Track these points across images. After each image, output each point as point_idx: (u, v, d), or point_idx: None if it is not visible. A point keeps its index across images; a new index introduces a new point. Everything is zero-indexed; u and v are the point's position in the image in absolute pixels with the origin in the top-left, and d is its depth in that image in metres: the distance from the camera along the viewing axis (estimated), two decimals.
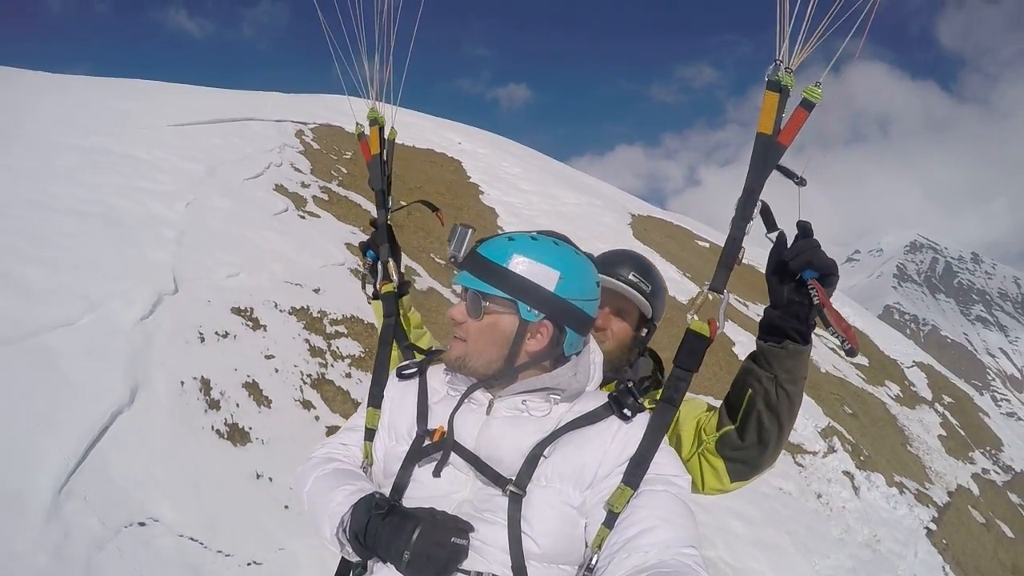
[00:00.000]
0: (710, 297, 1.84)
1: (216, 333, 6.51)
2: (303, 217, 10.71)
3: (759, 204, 1.80)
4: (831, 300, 1.73)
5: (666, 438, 1.86)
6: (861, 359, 19.17)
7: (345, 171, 14.50)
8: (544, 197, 20.63)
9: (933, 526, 11.72)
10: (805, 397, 10.03)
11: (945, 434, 18.41)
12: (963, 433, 19.64)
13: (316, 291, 8.36)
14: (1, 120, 11.50)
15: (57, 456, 4.44)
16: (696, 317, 1.85)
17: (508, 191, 20.21)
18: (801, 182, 1.77)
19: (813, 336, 1.80)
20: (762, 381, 1.84)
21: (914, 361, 22.92)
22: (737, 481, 1.98)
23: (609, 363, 2.26)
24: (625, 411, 1.82)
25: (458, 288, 1.91)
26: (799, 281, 1.75)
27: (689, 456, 2.00)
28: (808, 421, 12.09)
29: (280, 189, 11.50)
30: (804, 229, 1.77)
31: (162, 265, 7.34)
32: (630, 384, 1.88)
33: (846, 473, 11.07)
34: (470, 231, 1.96)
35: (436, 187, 17.37)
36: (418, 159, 19.22)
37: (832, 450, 11.54)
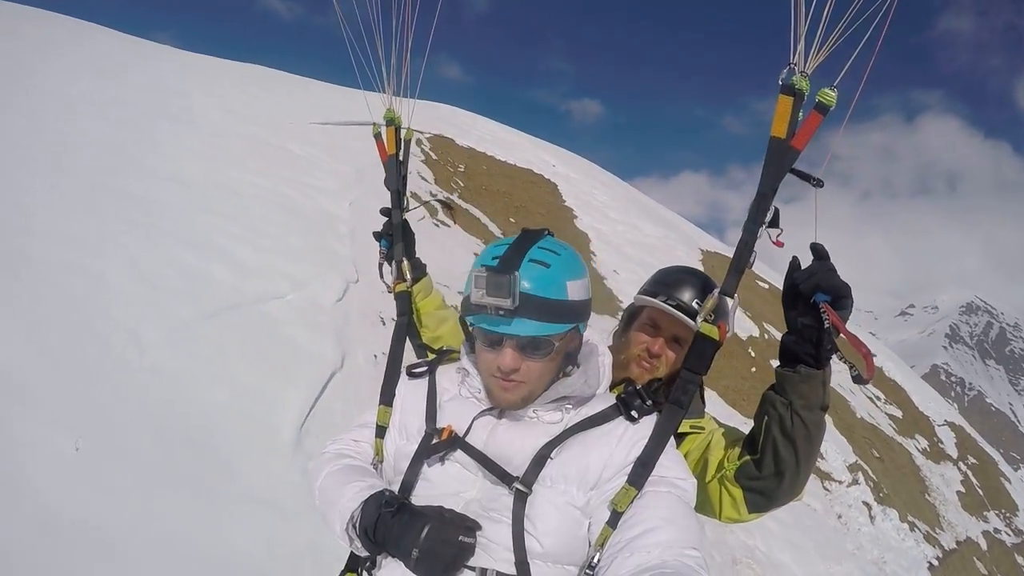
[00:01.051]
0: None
1: (392, 319, 8.42)
2: (437, 226, 12.20)
3: (772, 209, 1.77)
4: (845, 324, 1.70)
5: (673, 441, 1.84)
6: (894, 410, 20.50)
7: (462, 184, 16.28)
8: (628, 227, 21.65)
9: (936, 563, 13.29)
10: (837, 434, 11.79)
11: (964, 491, 19.58)
12: (981, 493, 20.76)
13: (459, 294, 10.23)
14: (163, 99, 12.57)
15: (296, 402, 5.46)
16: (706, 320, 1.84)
17: (598, 218, 21.32)
18: (818, 184, 1.75)
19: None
20: (777, 407, 1.83)
21: (946, 420, 24.09)
22: (754, 512, 1.98)
23: (662, 389, 2.18)
24: (632, 413, 1.83)
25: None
26: (812, 305, 1.73)
27: (710, 481, 2.01)
28: (838, 455, 13.74)
29: (415, 197, 13.19)
30: (817, 252, 1.76)
31: (344, 256, 8.48)
32: (639, 387, 1.89)
33: (865, 503, 12.75)
34: (517, 275, 1.72)
35: (538, 207, 18.79)
36: (520, 178, 20.62)
37: (855, 482, 13.21)
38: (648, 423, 1.82)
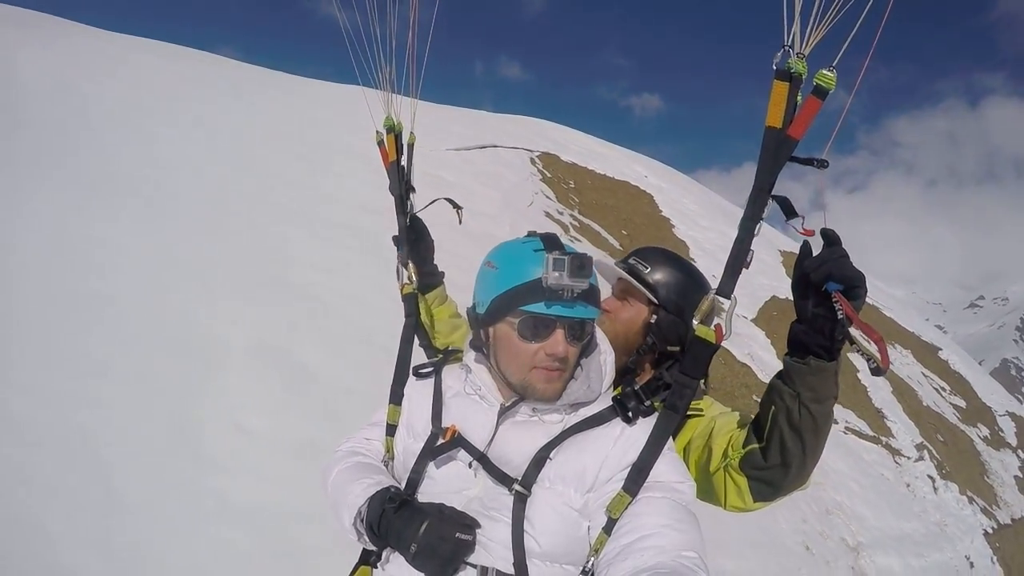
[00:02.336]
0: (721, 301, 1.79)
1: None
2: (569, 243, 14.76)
3: (769, 203, 1.69)
4: (858, 314, 1.63)
5: (671, 443, 1.83)
6: (959, 400, 22.33)
7: (577, 200, 18.49)
8: (717, 234, 22.68)
9: (991, 531, 15.37)
10: (906, 418, 14.22)
11: (1021, 476, 21.42)
12: None
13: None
14: (327, 133, 13.86)
15: None
16: (702, 323, 1.80)
17: (692, 227, 22.46)
18: (822, 164, 1.64)
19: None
20: (785, 398, 1.81)
21: (1007, 411, 25.72)
22: (760, 501, 1.96)
23: (616, 345, 2.15)
24: (628, 414, 1.84)
25: (533, 318, 1.81)
26: (824, 294, 1.67)
27: (715, 470, 2.00)
28: (907, 435, 15.91)
29: (549, 216, 15.52)
30: (829, 237, 1.68)
31: None
32: (637, 387, 1.92)
33: (929, 476, 14.92)
34: (593, 259, 1.82)
35: (641, 220, 20.39)
36: (621, 191, 22.23)
37: (921, 459, 15.38)
38: (645, 424, 1.82)
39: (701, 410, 2.21)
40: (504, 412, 1.90)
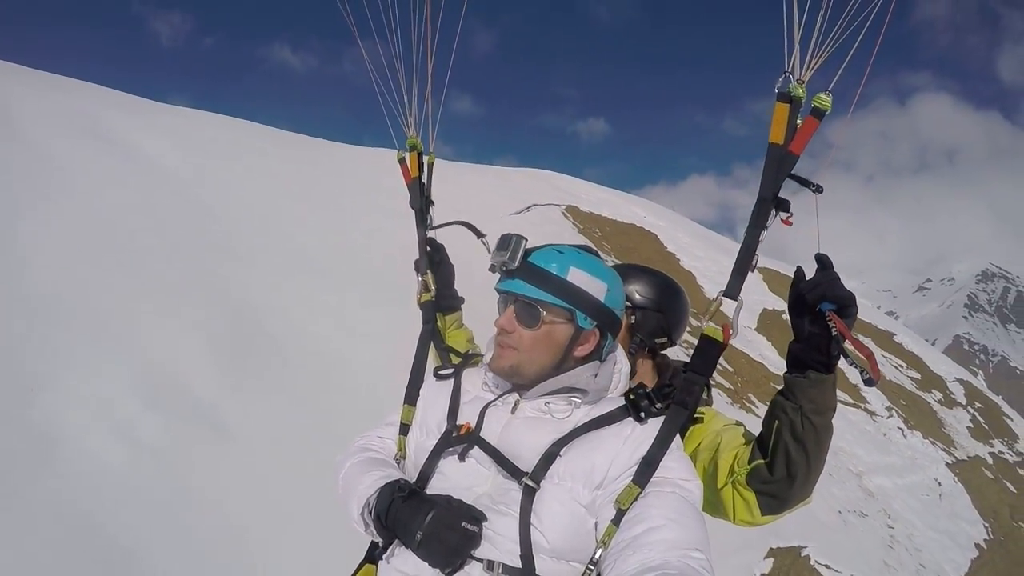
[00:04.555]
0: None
1: None
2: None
3: (772, 214, 1.80)
4: (851, 330, 1.74)
5: (680, 442, 1.88)
6: (914, 373, 27.19)
7: (608, 246, 22.84)
8: (711, 262, 26.04)
9: (950, 463, 20.48)
10: (876, 390, 19.62)
11: (972, 427, 25.76)
12: (987, 427, 26.87)
13: None
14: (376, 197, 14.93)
15: None
16: (711, 323, 1.87)
17: (691, 258, 25.79)
18: (817, 190, 1.76)
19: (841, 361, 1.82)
20: (788, 412, 1.87)
21: (956, 378, 30.66)
22: (768, 514, 2.01)
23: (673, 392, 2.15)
24: (640, 413, 1.85)
25: (500, 297, 1.97)
26: (819, 313, 1.77)
27: (723, 486, 2.04)
28: (878, 402, 21.01)
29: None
30: (822, 262, 1.81)
31: None
32: (649, 389, 1.91)
33: (899, 428, 20.08)
34: (524, 240, 1.95)
35: (655, 257, 24.01)
36: (633, 234, 26.26)
37: (891, 416, 20.56)
38: (654, 424, 1.84)
39: (702, 416, 2.26)
40: (516, 407, 1.95)
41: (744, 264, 1.83)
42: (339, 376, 8.02)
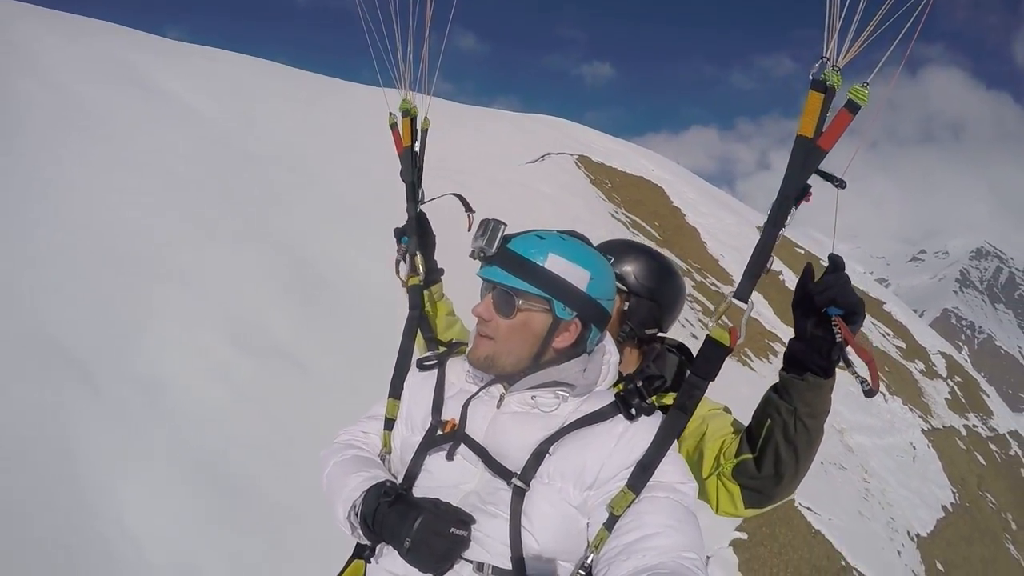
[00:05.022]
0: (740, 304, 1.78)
1: None
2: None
3: (793, 210, 1.71)
4: (855, 336, 1.67)
5: (676, 444, 1.84)
6: (899, 343, 27.97)
7: (619, 198, 23.20)
8: (715, 219, 26.54)
9: (926, 430, 21.57)
10: (856, 358, 20.99)
11: (950, 399, 26.73)
12: (964, 401, 27.89)
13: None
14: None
15: None
16: (717, 325, 1.80)
17: (697, 214, 25.98)
18: (841, 185, 1.68)
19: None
20: (781, 412, 1.82)
21: (939, 351, 31.52)
22: (752, 508, 1.99)
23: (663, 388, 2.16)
24: (631, 411, 1.81)
25: (480, 283, 1.90)
26: (824, 316, 1.70)
27: (707, 476, 2.02)
28: (863, 366, 22.04)
29: (613, 216, 20.15)
30: (835, 263, 1.71)
31: None
32: (639, 384, 1.87)
33: (881, 392, 21.10)
34: (503, 226, 1.88)
35: (663, 211, 24.45)
36: (641, 186, 26.42)
37: None
38: (647, 423, 1.82)
39: None
40: (502, 401, 1.90)
41: (758, 266, 1.77)
42: (387, 310, 8.57)
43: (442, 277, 2.65)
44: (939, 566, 15.52)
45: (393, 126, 2.57)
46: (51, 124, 8.81)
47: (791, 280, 25.57)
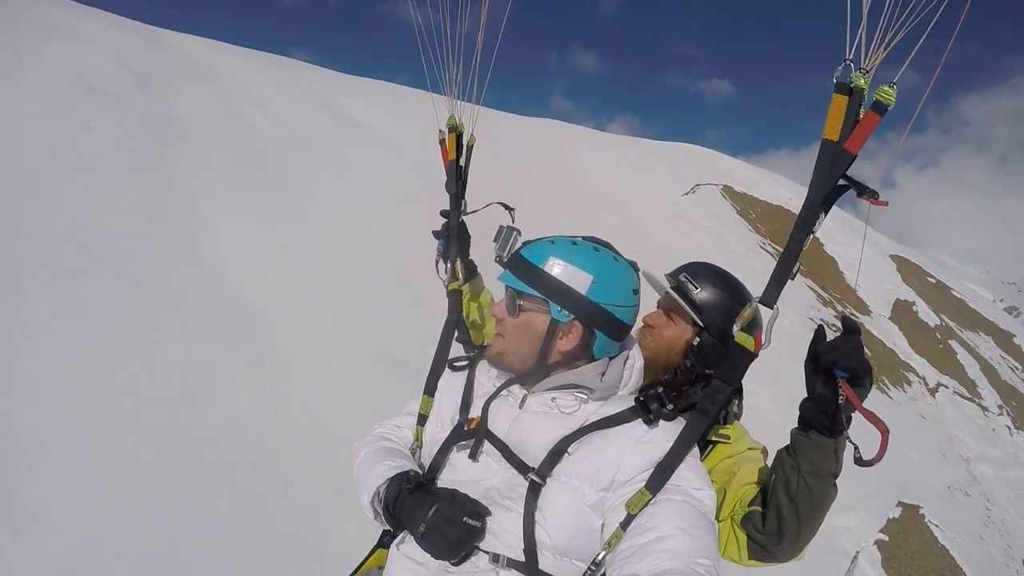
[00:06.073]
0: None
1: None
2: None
3: (821, 216, 1.69)
4: (862, 401, 1.67)
5: (696, 450, 1.85)
6: None
7: (763, 229, 24.47)
8: (853, 249, 26.86)
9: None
10: (989, 387, 22.19)
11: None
12: None
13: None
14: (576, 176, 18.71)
15: None
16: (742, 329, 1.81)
17: (833, 244, 26.37)
18: (873, 195, 1.63)
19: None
20: (786, 468, 1.85)
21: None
22: (754, 560, 2.01)
23: (657, 363, 2.33)
24: (650, 415, 1.84)
25: (502, 287, 1.97)
26: (832, 376, 1.72)
27: (723, 519, 2.04)
28: (992, 399, 22.77)
29: (762, 247, 21.86)
30: (848, 325, 1.72)
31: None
32: (660, 390, 1.89)
33: (1007, 426, 22.08)
34: (515, 233, 2.08)
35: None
36: (783, 216, 26.82)
37: (1002, 414, 22.70)
38: (666, 427, 1.84)
39: (729, 437, 2.22)
40: (524, 401, 1.95)
41: (785, 271, 1.74)
42: None
43: (479, 272, 2.78)
44: None
45: (441, 141, 2.68)
46: (290, 153, 10.76)
47: (924, 312, 26.82)
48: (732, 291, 2.42)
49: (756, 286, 2.18)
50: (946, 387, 21.73)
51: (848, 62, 1.60)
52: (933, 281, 33.73)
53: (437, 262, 2.70)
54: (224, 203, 8.41)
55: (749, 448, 2.21)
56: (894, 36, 1.56)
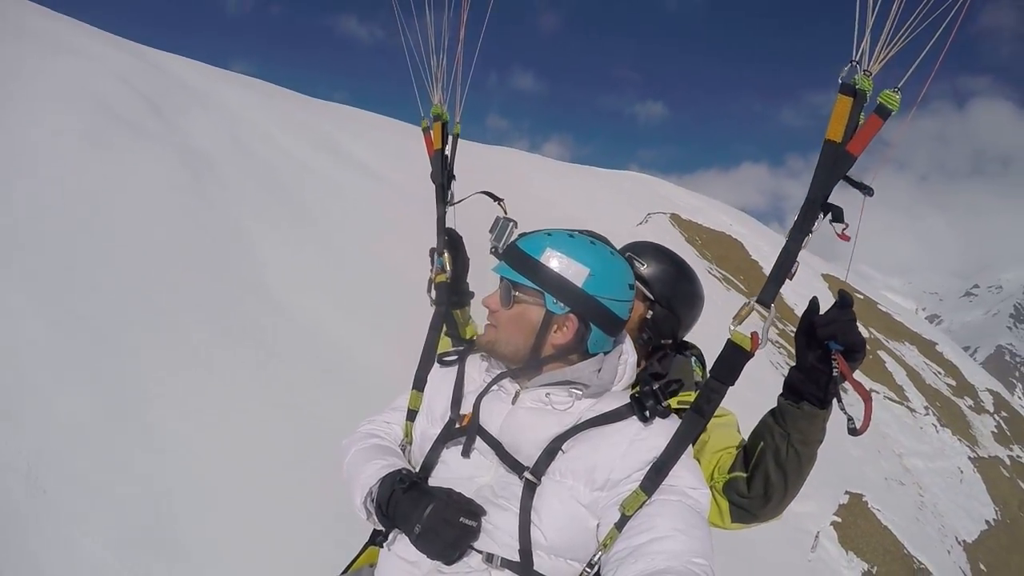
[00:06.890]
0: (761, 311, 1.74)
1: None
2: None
3: (819, 216, 1.69)
4: (853, 373, 1.69)
5: (690, 450, 1.83)
6: (950, 380, 30.30)
7: (710, 254, 25.98)
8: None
9: (974, 456, 24.60)
10: (916, 391, 24.56)
11: (996, 431, 28.70)
12: (1009, 434, 29.68)
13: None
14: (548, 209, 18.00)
15: None
16: (739, 328, 1.76)
17: (770, 266, 28.55)
18: (869, 192, 1.65)
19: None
20: (775, 437, 1.88)
21: (987, 388, 33.15)
22: (738, 523, 2.05)
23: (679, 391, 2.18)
24: (646, 413, 1.82)
25: (496, 277, 1.94)
26: (825, 349, 1.73)
27: None
28: (918, 401, 25.00)
29: (711, 273, 23.44)
30: (843, 299, 1.73)
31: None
32: (655, 387, 1.86)
33: (933, 425, 24.08)
34: (512, 224, 2.06)
35: (744, 265, 26.05)
36: (725, 242, 27.80)
37: (927, 415, 24.97)
38: (661, 426, 1.82)
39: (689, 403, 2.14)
40: (517, 397, 1.93)
41: (783, 270, 1.71)
42: None
43: (470, 302, 2.68)
44: (982, 567, 18.86)
45: (426, 130, 2.60)
46: (304, 189, 11.13)
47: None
48: (671, 260, 2.54)
49: (709, 311, 2.51)
50: (877, 392, 23.70)
51: (853, 63, 1.60)
52: (861, 297, 35.74)
53: (430, 281, 2.55)
54: (261, 236, 8.72)
55: (717, 416, 2.14)
56: (901, 41, 1.57)
